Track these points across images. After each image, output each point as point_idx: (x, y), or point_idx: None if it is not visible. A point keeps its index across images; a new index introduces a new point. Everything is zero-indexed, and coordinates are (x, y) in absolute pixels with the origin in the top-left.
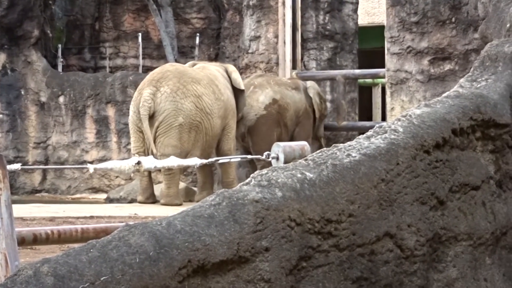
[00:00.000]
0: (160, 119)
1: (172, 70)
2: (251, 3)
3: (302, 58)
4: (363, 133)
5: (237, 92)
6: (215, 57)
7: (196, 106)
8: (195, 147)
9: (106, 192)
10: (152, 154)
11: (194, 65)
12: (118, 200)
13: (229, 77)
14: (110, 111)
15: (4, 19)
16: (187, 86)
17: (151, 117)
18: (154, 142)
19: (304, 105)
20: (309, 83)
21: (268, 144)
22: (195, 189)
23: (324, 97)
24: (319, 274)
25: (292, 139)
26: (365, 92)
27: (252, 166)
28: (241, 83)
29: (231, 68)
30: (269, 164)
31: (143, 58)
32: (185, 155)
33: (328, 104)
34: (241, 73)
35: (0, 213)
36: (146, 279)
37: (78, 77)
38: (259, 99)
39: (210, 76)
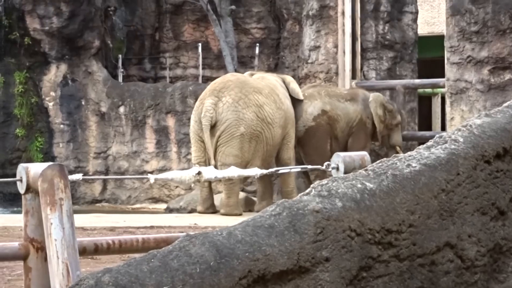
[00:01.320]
0: (221, 129)
1: (234, 80)
2: (310, 13)
3: (361, 68)
4: (423, 143)
5: (295, 102)
6: (275, 67)
7: (257, 116)
8: (255, 157)
9: (166, 202)
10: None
11: (252, 75)
12: (178, 210)
13: (287, 87)
14: (170, 121)
15: (65, 30)
16: (248, 96)
17: (213, 127)
18: (215, 151)
19: (359, 116)
20: (372, 96)
21: (320, 155)
22: (254, 199)
23: (390, 107)
24: (379, 285)
25: (345, 150)
26: (425, 102)
27: (306, 176)
28: (299, 93)
29: (289, 78)
30: (323, 174)
31: (203, 68)
32: (245, 164)
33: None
34: (300, 83)
35: (61, 223)
36: None
37: (138, 87)
38: (308, 110)
39: (271, 86)
